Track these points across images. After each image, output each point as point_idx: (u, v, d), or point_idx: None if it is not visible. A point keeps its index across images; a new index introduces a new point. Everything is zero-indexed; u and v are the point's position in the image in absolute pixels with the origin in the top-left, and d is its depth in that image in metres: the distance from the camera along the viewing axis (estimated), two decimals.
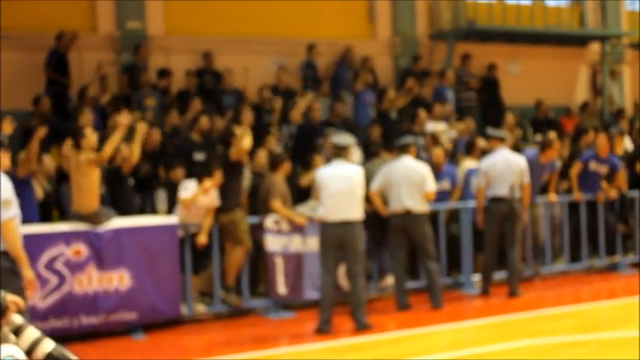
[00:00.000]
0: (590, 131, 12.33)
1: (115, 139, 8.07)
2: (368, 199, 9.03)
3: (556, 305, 9.33)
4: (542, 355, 7.00)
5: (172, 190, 9.10)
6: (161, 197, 9.58)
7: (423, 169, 9.04)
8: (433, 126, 12.04)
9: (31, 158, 8.28)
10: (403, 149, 9.14)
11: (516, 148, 10.92)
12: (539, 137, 12.24)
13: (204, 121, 10.61)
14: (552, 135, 10.59)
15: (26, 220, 7.06)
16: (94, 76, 11.13)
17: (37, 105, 10.41)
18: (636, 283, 9.97)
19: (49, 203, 9.01)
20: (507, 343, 7.37)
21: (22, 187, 7.85)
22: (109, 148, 8.02)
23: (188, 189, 8.61)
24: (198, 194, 8.54)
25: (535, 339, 7.48)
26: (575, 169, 11.04)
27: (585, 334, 7.75)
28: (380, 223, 9.27)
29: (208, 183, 8.57)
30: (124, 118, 8.22)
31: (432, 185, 9.02)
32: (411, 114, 12.24)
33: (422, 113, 12.17)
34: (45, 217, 8.79)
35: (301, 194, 9.93)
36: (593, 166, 11.07)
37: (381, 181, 9.09)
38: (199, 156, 10.19)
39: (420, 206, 8.96)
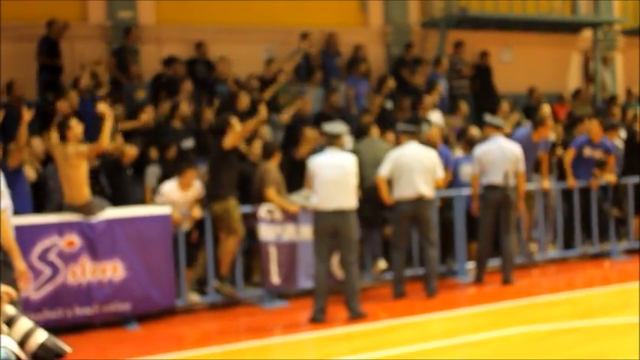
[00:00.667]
0: (586, 120, 12.32)
1: (105, 129, 7.97)
2: (362, 186, 8.97)
3: (550, 292, 9.36)
4: (537, 341, 7.01)
5: (166, 167, 9.26)
6: (152, 173, 9.52)
7: (434, 156, 9.06)
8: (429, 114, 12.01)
9: (21, 145, 8.12)
10: (410, 135, 9.12)
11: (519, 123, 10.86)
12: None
13: (184, 108, 10.44)
14: (546, 109, 10.51)
15: (19, 210, 7.03)
16: (84, 70, 10.95)
17: (10, 90, 10.17)
18: (629, 270, 10.01)
19: (42, 185, 8.87)
20: (501, 330, 7.37)
21: (13, 177, 7.80)
22: (104, 140, 7.97)
23: (163, 195, 8.64)
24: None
25: (529, 326, 7.49)
26: (569, 155, 11.04)
27: (579, 320, 7.76)
28: (374, 205, 9.22)
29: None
30: (102, 108, 8.13)
31: (442, 172, 9.08)
32: (413, 102, 12.21)
33: (427, 99, 12.13)
34: (39, 200, 8.70)
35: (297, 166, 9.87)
36: (587, 152, 11.07)
37: (390, 167, 8.98)
38: (188, 143, 10.13)
39: (432, 192, 8.97)
